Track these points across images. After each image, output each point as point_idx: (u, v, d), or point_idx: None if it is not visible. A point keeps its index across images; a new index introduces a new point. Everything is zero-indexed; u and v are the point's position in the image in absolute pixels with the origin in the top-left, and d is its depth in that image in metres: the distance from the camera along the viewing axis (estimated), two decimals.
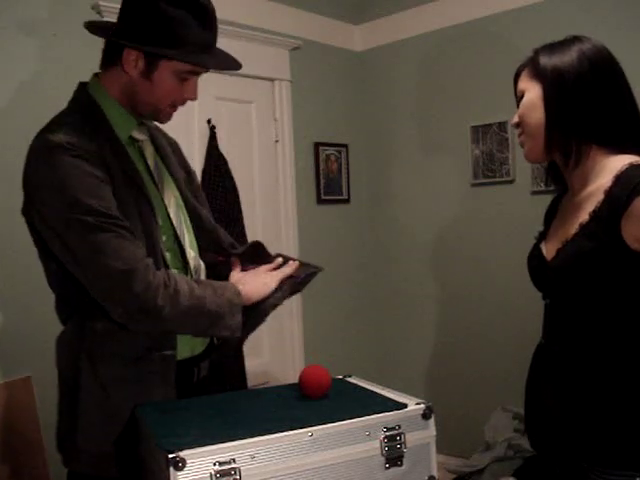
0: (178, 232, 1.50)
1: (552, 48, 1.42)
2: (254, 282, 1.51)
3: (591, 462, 1.35)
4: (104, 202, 1.32)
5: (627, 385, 1.32)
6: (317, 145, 3.48)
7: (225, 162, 2.92)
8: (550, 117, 1.39)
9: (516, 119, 1.47)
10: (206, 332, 1.44)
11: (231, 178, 2.92)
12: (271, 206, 3.27)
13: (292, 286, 1.58)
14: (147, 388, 1.39)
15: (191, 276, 1.50)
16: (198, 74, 1.46)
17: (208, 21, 1.42)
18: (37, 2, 2.38)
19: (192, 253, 1.53)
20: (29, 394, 2.22)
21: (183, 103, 1.49)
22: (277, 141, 3.31)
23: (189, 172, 1.67)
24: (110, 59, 1.45)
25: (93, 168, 1.33)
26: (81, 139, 1.34)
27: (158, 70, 1.41)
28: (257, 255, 1.62)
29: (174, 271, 1.47)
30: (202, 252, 1.59)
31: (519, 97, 1.46)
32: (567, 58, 1.38)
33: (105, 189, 1.33)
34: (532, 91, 1.42)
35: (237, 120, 3.11)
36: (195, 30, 1.39)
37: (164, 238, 1.47)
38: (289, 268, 1.56)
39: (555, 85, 1.38)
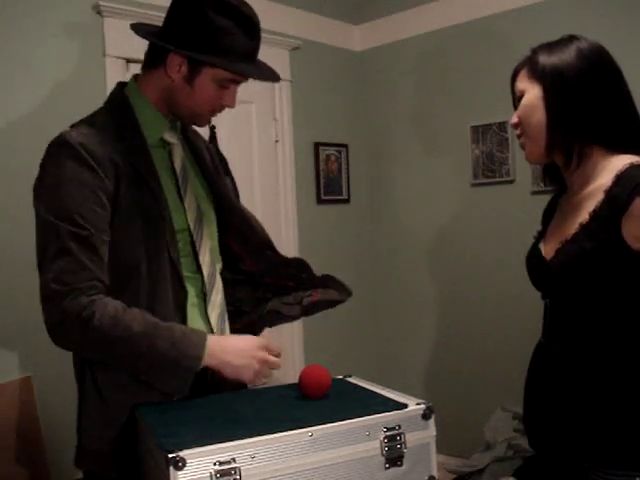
0: (194, 237, 1.50)
1: (550, 47, 1.41)
2: (233, 363, 1.36)
3: (592, 462, 1.35)
4: (86, 213, 1.31)
5: (627, 384, 1.32)
6: (317, 145, 3.48)
7: (225, 162, 2.92)
8: (551, 118, 1.38)
9: (515, 120, 1.46)
10: (144, 374, 1.34)
11: (231, 178, 2.91)
12: (271, 206, 3.27)
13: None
14: (142, 395, 1.37)
15: (204, 282, 1.50)
16: (239, 82, 1.50)
17: (253, 31, 1.44)
18: (37, 2, 2.38)
19: (208, 259, 1.52)
20: (29, 394, 2.22)
21: (221, 110, 1.53)
22: (277, 141, 3.31)
23: (232, 178, 1.69)
24: (153, 62, 1.47)
25: (94, 176, 1.33)
26: (93, 140, 1.36)
27: (200, 76, 1.43)
28: (298, 274, 1.62)
29: (188, 275, 1.46)
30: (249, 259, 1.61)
31: (518, 97, 1.45)
32: (566, 57, 1.37)
33: (94, 199, 1.33)
34: (532, 91, 1.41)
35: (237, 120, 3.11)
36: (240, 40, 1.42)
37: (180, 244, 1.47)
38: (277, 363, 1.43)
39: (556, 85, 1.37)
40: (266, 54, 3.14)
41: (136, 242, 1.38)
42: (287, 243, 3.29)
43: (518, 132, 1.47)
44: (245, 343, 1.42)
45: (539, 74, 1.39)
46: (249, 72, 1.47)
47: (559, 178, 1.51)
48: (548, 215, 1.56)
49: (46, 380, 2.18)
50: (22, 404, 2.20)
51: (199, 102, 1.47)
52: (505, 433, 2.83)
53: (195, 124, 1.57)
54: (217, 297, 1.54)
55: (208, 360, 1.34)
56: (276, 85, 3.28)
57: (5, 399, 2.16)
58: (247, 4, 1.45)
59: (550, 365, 1.43)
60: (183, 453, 1.05)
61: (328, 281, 1.66)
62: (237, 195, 1.70)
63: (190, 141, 1.61)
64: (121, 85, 1.52)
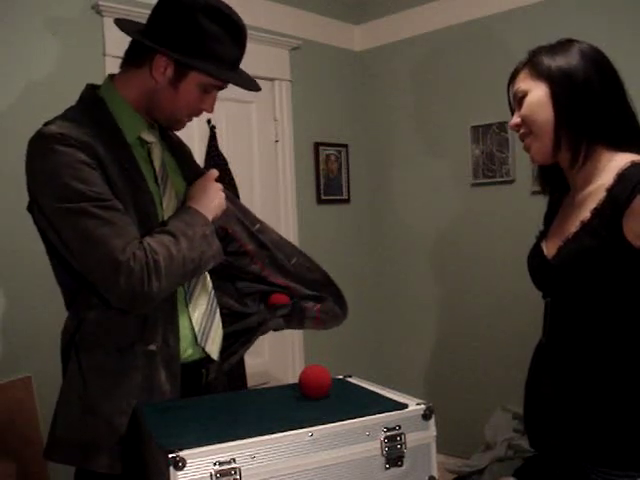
0: None
1: (551, 49, 1.42)
2: (211, 198, 1.49)
3: (593, 462, 1.35)
4: (95, 187, 1.31)
5: (628, 384, 1.32)
6: (317, 145, 3.48)
7: (225, 162, 2.92)
8: (560, 116, 1.38)
9: (517, 120, 1.45)
10: (195, 275, 1.44)
11: (231, 178, 2.92)
12: (271, 206, 3.27)
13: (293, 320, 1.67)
14: (126, 382, 1.37)
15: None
16: (221, 88, 1.49)
17: (240, 39, 1.44)
18: (37, 2, 2.38)
19: None
20: (29, 394, 2.22)
21: (199, 114, 1.51)
22: (277, 141, 3.31)
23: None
24: (136, 61, 1.44)
25: (85, 156, 1.31)
26: (74, 130, 1.33)
27: (186, 80, 1.41)
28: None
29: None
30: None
31: (519, 98, 1.45)
32: (571, 58, 1.38)
33: (95, 175, 1.32)
34: (537, 90, 1.40)
35: (237, 120, 3.11)
36: (228, 47, 1.42)
37: None
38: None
39: (564, 84, 1.37)
40: (266, 54, 3.18)
41: None
42: None
43: (523, 131, 1.45)
44: (205, 186, 1.52)
45: (545, 74, 1.39)
46: (238, 81, 1.46)
47: (558, 181, 1.51)
48: (550, 215, 1.56)
49: (46, 380, 2.18)
50: (22, 404, 2.20)
51: (180, 106, 1.45)
52: (505, 433, 2.83)
53: (170, 128, 1.54)
54: (200, 296, 1.52)
55: (210, 215, 1.46)
56: (276, 85, 3.28)
57: (5, 399, 2.16)
58: (235, 12, 1.45)
59: (551, 364, 1.43)
60: (183, 453, 1.05)
61: (327, 292, 1.69)
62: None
63: (172, 141, 1.60)
64: (92, 86, 1.49)
